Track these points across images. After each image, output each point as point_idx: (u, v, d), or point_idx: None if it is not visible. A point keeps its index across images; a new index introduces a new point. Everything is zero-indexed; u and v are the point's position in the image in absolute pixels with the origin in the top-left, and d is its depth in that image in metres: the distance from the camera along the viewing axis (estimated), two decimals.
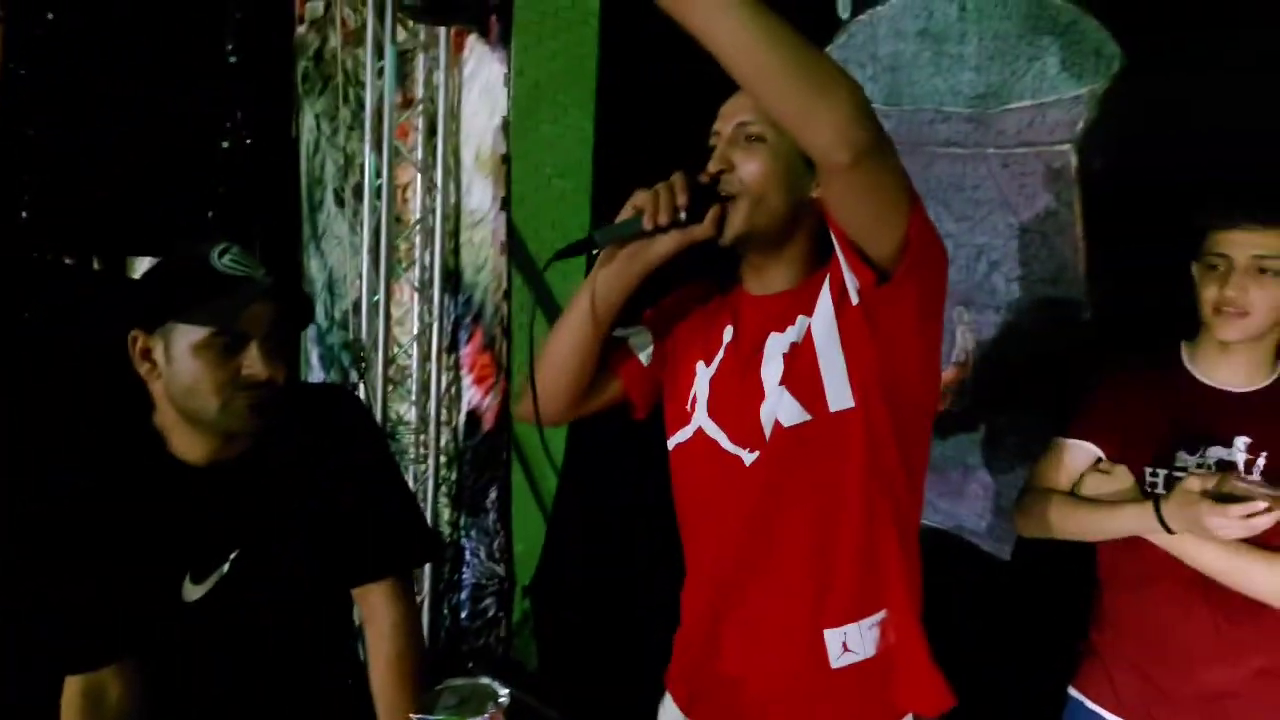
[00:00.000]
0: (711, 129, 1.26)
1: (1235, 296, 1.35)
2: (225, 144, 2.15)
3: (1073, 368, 1.76)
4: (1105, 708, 1.53)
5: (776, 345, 1.24)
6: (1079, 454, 1.52)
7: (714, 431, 1.27)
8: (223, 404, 1.21)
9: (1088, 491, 1.49)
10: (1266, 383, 1.43)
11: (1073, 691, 1.59)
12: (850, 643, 1.23)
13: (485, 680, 1.18)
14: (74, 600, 1.25)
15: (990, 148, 1.88)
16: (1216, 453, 1.40)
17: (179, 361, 1.21)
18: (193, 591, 1.29)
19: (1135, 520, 1.40)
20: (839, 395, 1.18)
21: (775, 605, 1.25)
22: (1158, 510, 1.36)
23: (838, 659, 1.23)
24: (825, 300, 1.18)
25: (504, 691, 1.17)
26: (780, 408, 1.19)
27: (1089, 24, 1.76)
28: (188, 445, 1.27)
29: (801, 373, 1.19)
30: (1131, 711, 1.50)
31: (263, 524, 1.30)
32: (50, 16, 1.74)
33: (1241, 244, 1.35)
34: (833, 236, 1.15)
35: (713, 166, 1.21)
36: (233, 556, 1.29)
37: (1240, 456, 1.39)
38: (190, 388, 1.22)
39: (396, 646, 1.34)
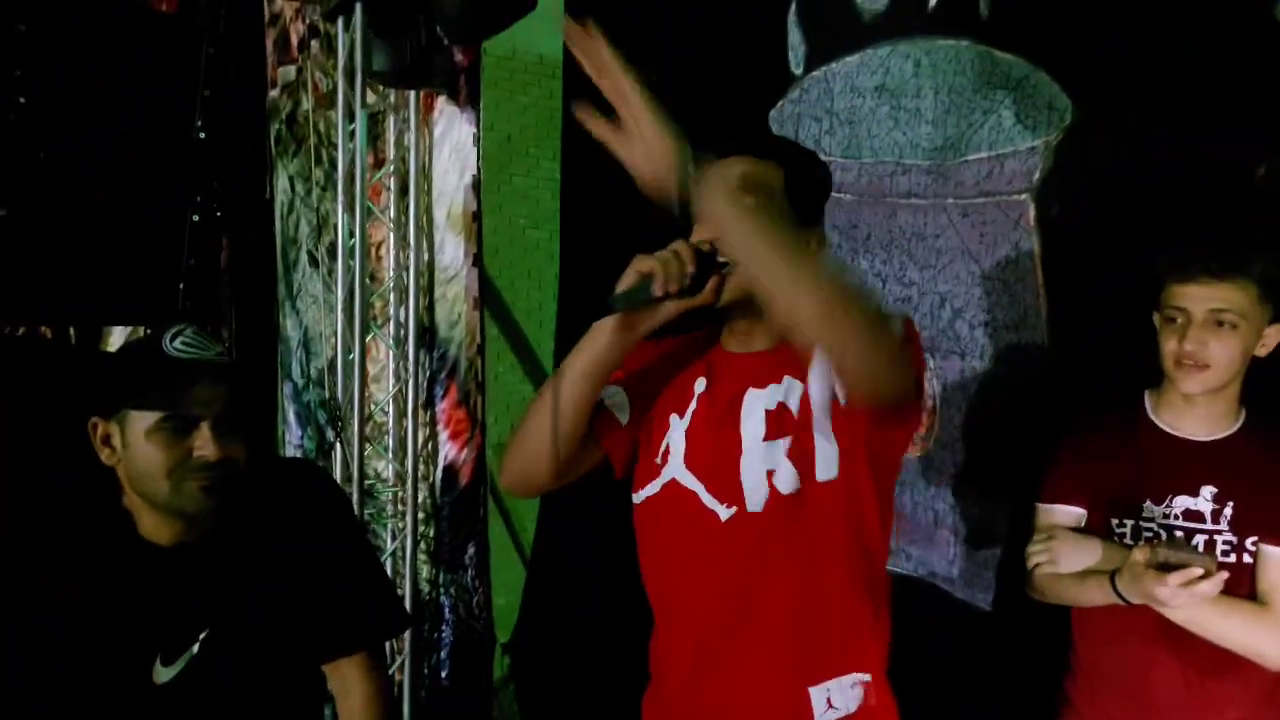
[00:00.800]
0: None
1: (1194, 350, 1.37)
2: (195, 217, 2.16)
3: (1038, 414, 1.79)
4: None
5: (757, 401, 1.25)
6: (1062, 517, 1.53)
7: (691, 483, 1.27)
8: (174, 486, 1.21)
9: (1061, 567, 1.48)
10: (1230, 431, 1.44)
11: None
12: (835, 699, 1.24)
13: None
14: (44, 683, 1.24)
15: (950, 198, 1.92)
16: (1183, 503, 1.41)
17: (133, 447, 1.22)
18: (163, 674, 1.27)
19: (1100, 593, 1.41)
20: (827, 466, 1.22)
21: (758, 663, 1.25)
22: (1114, 584, 1.38)
23: (822, 715, 1.24)
24: (819, 383, 1.21)
25: None
26: (775, 471, 1.22)
27: (1040, 78, 1.81)
28: (154, 526, 1.27)
29: (797, 441, 1.22)
30: None
31: (231, 603, 1.29)
32: (21, 100, 1.76)
33: (1198, 297, 1.37)
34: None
35: (708, 234, 1.20)
36: (202, 637, 1.28)
37: (1207, 506, 1.40)
38: (144, 472, 1.22)
39: None
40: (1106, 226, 1.73)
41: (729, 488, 1.23)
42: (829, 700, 1.24)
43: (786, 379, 1.24)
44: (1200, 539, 1.40)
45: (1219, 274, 1.35)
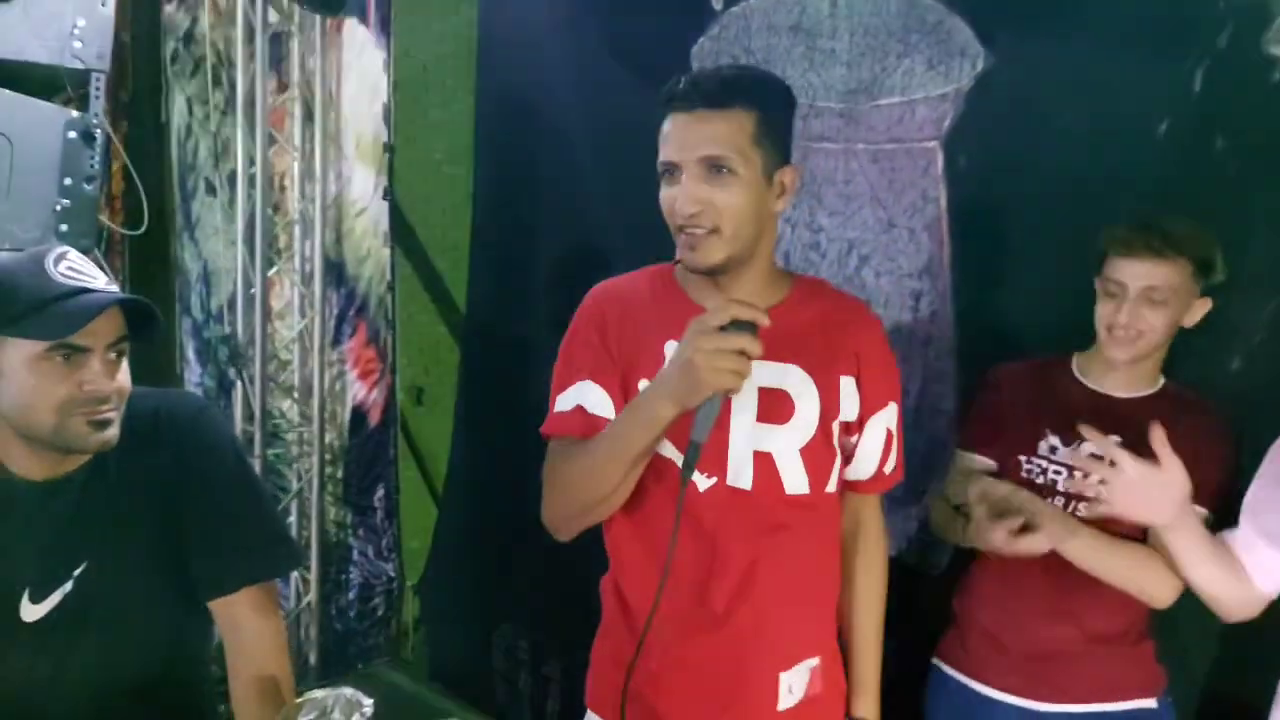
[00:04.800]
0: (661, 156, 1.23)
1: (1129, 323, 1.44)
2: (72, 134, 2.02)
3: (941, 363, 1.82)
4: (957, 669, 1.63)
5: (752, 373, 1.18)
6: (973, 463, 1.62)
7: (669, 451, 1.25)
8: (60, 421, 1.15)
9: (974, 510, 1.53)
10: (1149, 392, 1.53)
11: (934, 660, 1.68)
12: (794, 685, 1.30)
13: (349, 690, 1.15)
14: None
15: (860, 143, 1.91)
16: (1090, 447, 1.46)
17: (11, 376, 1.14)
18: (31, 611, 1.22)
19: (971, 534, 1.51)
20: (820, 472, 1.31)
21: (739, 640, 1.27)
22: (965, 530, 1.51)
23: (784, 700, 1.29)
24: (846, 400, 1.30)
25: (368, 702, 1.14)
26: (767, 453, 1.25)
27: (955, 23, 1.81)
28: (25, 460, 1.20)
29: (796, 431, 1.27)
30: (974, 669, 1.60)
31: (108, 539, 1.24)
32: None
33: (1137, 274, 1.42)
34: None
35: (688, 208, 1.20)
36: (76, 573, 1.22)
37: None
38: (25, 404, 1.14)
39: (257, 662, 1.29)
40: (1013, 177, 1.75)
41: (713, 459, 1.24)
42: (790, 686, 1.30)
43: (791, 366, 1.26)
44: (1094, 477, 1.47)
45: (1159, 252, 1.41)
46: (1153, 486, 1.30)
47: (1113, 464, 1.32)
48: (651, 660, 1.25)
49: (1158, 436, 1.28)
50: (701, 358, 1.07)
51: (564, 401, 1.30)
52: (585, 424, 1.27)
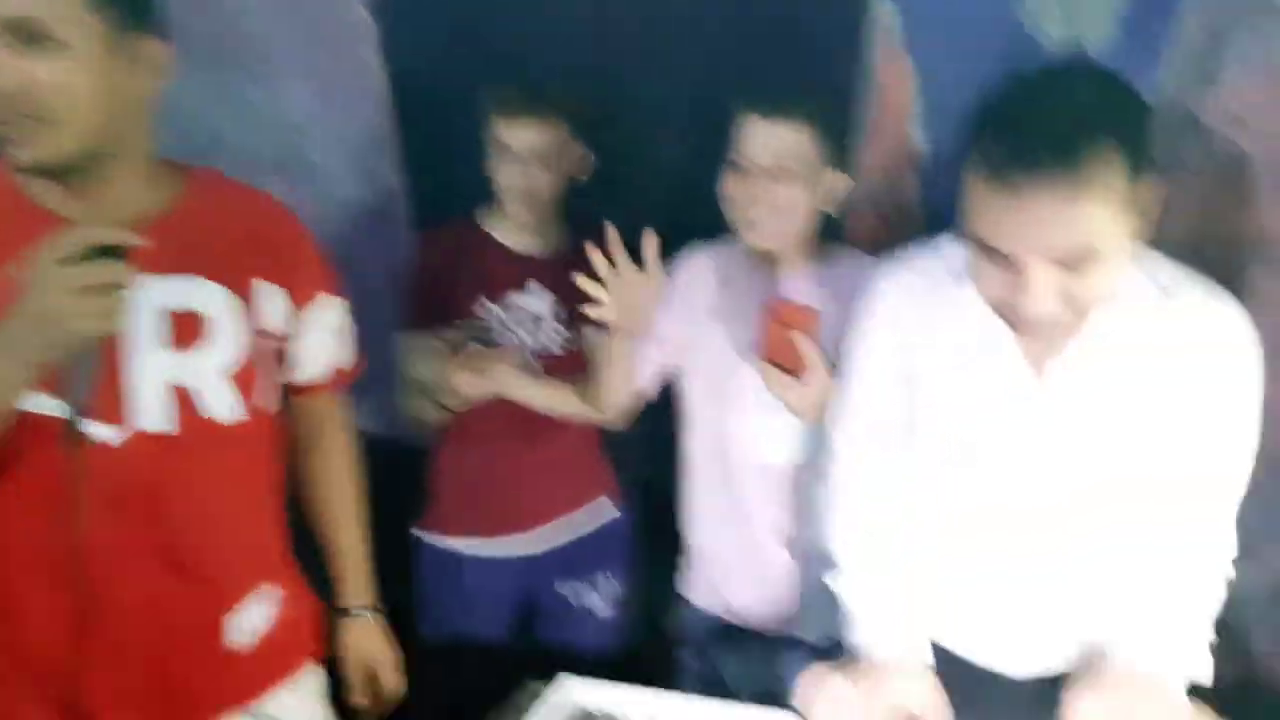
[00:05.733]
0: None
1: (515, 183, 1.59)
2: None
3: (392, 236, 1.85)
4: (437, 532, 1.76)
5: (148, 294, 1.03)
6: (422, 342, 1.66)
7: (49, 407, 1.02)
8: None
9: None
10: (557, 247, 1.69)
11: (414, 531, 1.77)
12: (245, 623, 1.19)
13: None
14: None
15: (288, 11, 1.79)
16: (526, 305, 1.64)
17: None
18: None
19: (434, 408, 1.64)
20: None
21: (170, 596, 1.12)
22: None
23: (237, 639, 1.19)
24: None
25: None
26: (211, 402, 1.11)
27: None
28: None
29: (241, 367, 1.13)
30: (449, 526, 1.74)
31: None
32: None
33: (518, 137, 1.57)
34: None
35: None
36: None
37: (546, 308, 1.67)
38: None
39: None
40: (453, 45, 1.75)
41: (110, 405, 1.03)
42: (240, 626, 1.19)
43: (195, 279, 1.08)
44: (542, 334, 1.67)
45: (539, 115, 1.57)
46: (639, 294, 1.40)
47: (602, 282, 1.38)
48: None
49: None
50: (59, 302, 0.87)
51: None
52: None
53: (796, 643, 1.49)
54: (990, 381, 1.10)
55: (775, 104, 1.36)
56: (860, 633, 1.16)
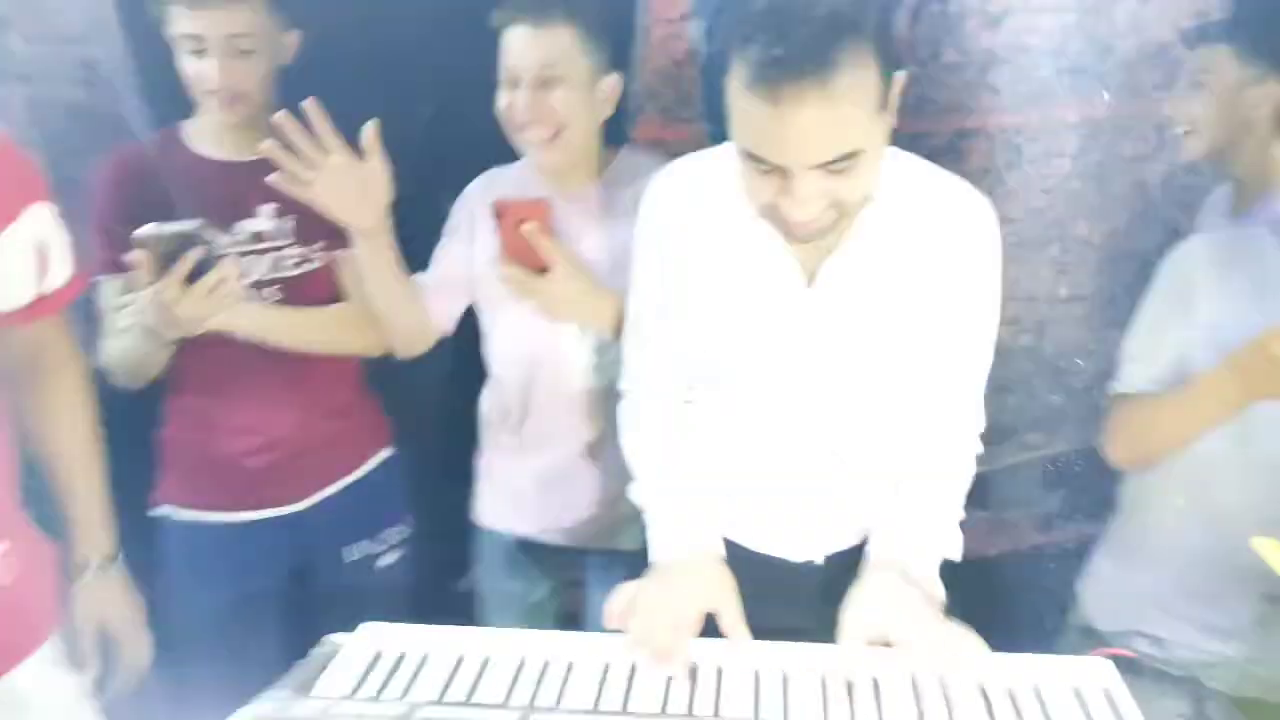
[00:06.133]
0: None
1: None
2: None
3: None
4: (183, 506, 1.50)
5: None
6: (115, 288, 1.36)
7: None
8: None
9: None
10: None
11: (153, 513, 1.52)
12: None
13: None
14: None
15: None
16: (246, 226, 1.40)
17: None
18: None
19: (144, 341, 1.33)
20: None
21: None
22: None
23: None
24: None
25: None
26: None
27: None
28: None
29: None
30: (189, 494, 1.50)
31: None
32: None
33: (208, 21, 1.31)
34: None
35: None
36: None
37: (272, 224, 1.42)
38: None
39: None
40: None
41: None
42: None
43: None
44: (272, 256, 1.42)
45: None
46: (358, 181, 1.25)
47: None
48: None
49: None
50: None
51: None
52: None
53: (601, 556, 1.47)
54: (764, 290, 1.11)
55: (536, 7, 1.28)
56: (656, 537, 1.17)
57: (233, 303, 1.27)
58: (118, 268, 1.30)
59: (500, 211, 1.26)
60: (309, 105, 1.22)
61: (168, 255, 1.20)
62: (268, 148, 1.22)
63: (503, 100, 1.33)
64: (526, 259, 1.27)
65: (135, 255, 1.19)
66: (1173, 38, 1.75)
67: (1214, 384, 1.15)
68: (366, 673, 0.99)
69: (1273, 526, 1.12)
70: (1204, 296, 1.21)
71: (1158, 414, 1.23)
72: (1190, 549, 1.26)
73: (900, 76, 0.96)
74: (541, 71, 1.29)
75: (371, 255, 1.33)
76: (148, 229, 1.20)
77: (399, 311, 1.39)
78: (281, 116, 1.22)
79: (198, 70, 1.34)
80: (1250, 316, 1.16)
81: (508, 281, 1.29)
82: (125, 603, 1.24)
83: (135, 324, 1.29)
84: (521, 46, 1.29)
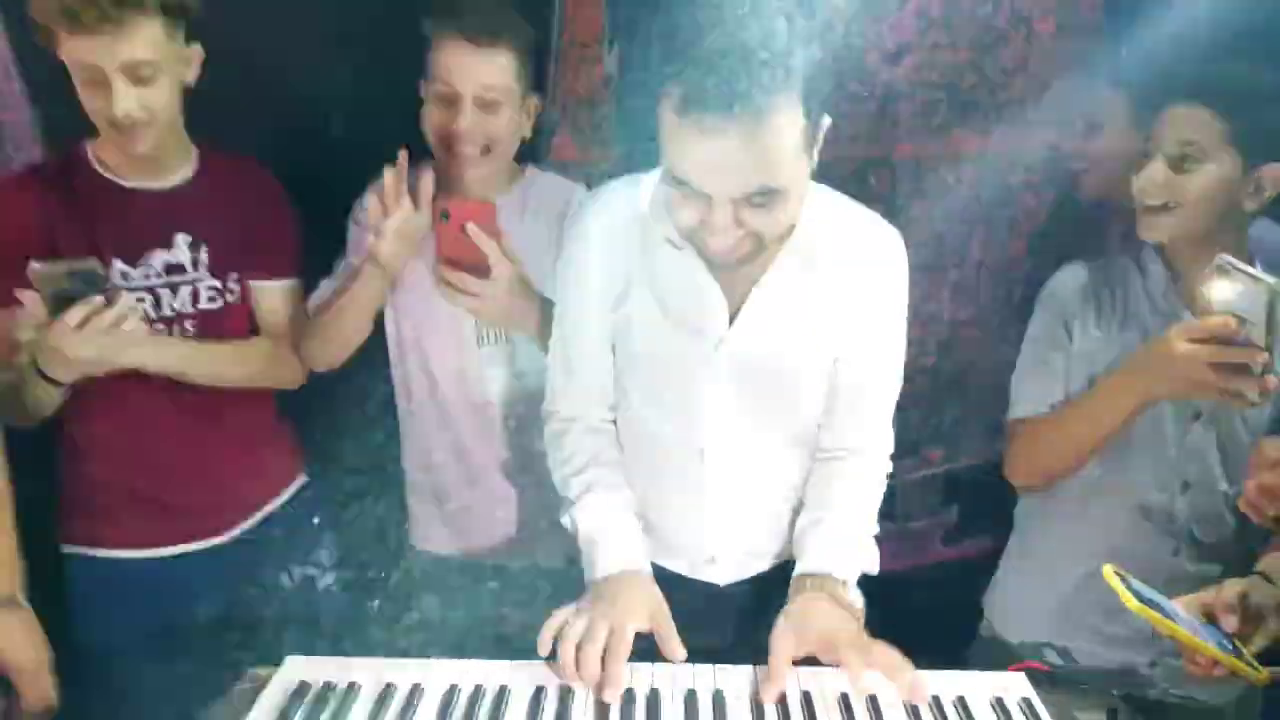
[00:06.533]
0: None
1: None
2: None
3: None
4: (87, 545, 1.44)
5: None
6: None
7: None
8: None
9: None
10: (187, 176, 1.38)
11: (65, 548, 1.45)
12: None
13: None
14: None
15: None
16: (162, 257, 1.34)
17: None
18: None
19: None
20: None
21: None
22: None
23: None
24: None
25: None
26: None
27: None
28: None
29: None
30: (107, 537, 1.44)
31: None
32: None
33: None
34: None
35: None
36: None
37: (185, 256, 1.36)
38: None
39: None
40: None
41: None
42: None
43: None
44: (186, 289, 1.37)
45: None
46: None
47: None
48: None
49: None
50: None
51: None
52: None
53: (525, 574, 1.47)
54: (689, 320, 1.14)
55: (485, 30, 1.29)
56: (590, 558, 1.17)
57: (129, 343, 1.23)
58: (9, 301, 1.23)
59: (449, 212, 1.26)
60: (401, 163, 1.27)
61: (59, 296, 1.16)
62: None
63: (434, 116, 1.33)
64: (464, 255, 1.26)
65: (25, 294, 1.14)
66: (1057, 76, 1.88)
67: (1115, 386, 1.20)
68: (291, 706, 0.96)
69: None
70: (1077, 323, 1.29)
71: (1059, 428, 1.28)
72: (1080, 565, 1.32)
73: (826, 121, 0.99)
74: (485, 93, 1.30)
75: (383, 285, 1.34)
76: (38, 267, 1.15)
77: (364, 332, 1.39)
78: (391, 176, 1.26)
79: (96, 101, 1.23)
80: (1113, 344, 1.24)
81: (447, 281, 1.27)
82: (29, 643, 1.17)
83: (25, 364, 1.22)
84: (462, 66, 1.29)
